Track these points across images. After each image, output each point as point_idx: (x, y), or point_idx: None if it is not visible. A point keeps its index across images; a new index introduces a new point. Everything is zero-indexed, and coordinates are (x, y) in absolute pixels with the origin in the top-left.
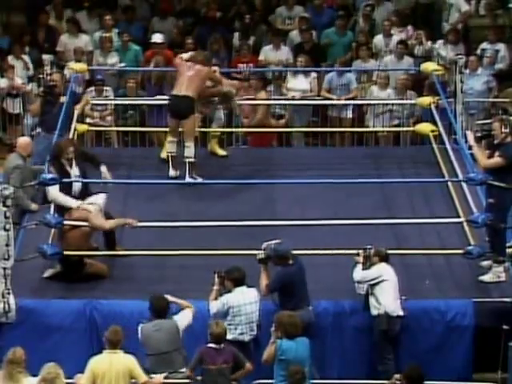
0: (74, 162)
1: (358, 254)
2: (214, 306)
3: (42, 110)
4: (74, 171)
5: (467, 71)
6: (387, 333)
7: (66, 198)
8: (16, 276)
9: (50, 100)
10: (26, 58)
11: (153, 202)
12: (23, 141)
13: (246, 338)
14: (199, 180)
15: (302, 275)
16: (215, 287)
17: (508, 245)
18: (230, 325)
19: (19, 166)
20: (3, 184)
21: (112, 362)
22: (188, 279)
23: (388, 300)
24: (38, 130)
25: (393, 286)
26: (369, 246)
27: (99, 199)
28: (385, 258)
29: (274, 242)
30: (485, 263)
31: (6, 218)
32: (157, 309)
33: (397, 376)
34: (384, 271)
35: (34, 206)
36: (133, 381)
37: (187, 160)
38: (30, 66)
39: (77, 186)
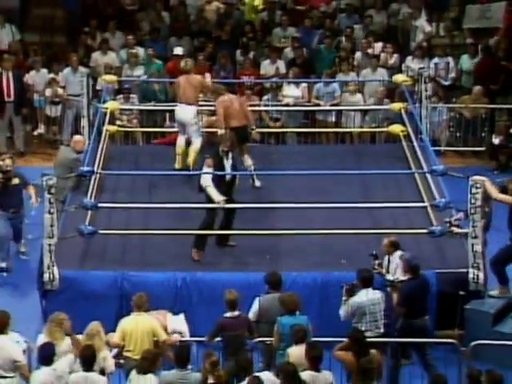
0: (229, 154)
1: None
2: (343, 309)
3: None
4: (228, 162)
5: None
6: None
7: (214, 190)
8: (59, 251)
9: (6, 184)
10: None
11: (168, 190)
12: (78, 138)
13: (371, 334)
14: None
15: (424, 289)
16: (343, 298)
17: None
18: (356, 323)
19: (79, 158)
20: (49, 175)
21: (138, 322)
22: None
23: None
24: None
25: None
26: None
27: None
28: (398, 246)
29: (406, 253)
30: (493, 292)
31: (50, 203)
32: (271, 282)
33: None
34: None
35: None
36: (155, 338)
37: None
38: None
39: (228, 176)
